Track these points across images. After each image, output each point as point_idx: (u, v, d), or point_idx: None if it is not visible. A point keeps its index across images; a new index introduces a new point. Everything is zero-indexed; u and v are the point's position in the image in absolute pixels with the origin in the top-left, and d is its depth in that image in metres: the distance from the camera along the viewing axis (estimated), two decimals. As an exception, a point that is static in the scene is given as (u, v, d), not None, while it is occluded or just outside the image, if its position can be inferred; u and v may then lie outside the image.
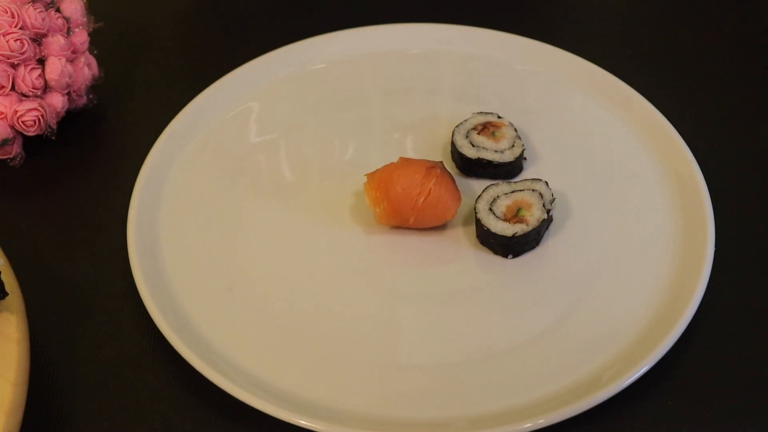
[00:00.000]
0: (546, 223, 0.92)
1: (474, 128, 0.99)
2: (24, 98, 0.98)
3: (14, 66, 0.97)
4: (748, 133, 1.05)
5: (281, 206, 0.97)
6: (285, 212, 0.96)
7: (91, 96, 1.06)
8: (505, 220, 0.91)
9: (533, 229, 0.90)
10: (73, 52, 1.02)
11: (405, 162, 0.92)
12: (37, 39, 0.99)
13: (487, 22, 1.12)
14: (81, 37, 1.02)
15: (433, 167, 0.91)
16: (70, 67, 1.00)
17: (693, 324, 0.85)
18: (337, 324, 0.87)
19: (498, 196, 0.93)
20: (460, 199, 0.92)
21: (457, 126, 1.00)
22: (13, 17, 0.96)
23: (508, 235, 0.90)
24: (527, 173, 0.99)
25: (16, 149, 1.01)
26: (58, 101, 1.00)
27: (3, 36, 0.95)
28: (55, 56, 0.99)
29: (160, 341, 0.85)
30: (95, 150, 1.05)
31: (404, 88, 1.08)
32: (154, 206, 0.96)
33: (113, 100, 1.09)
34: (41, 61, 0.99)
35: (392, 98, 1.05)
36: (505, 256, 0.92)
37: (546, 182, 0.94)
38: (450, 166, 0.99)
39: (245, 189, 0.99)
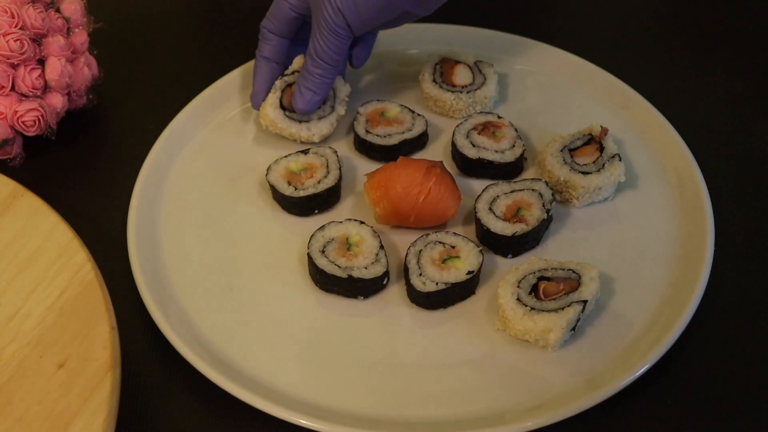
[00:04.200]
0: (546, 223, 0.92)
1: (474, 128, 0.99)
2: (24, 98, 0.98)
3: (14, 66, 0.97)
4: (748, 133, 1.05)
5: (281, 206, 0.97)
6: (285, 212, 0.96)
7: (90, 96, 1.06)
8: (505, 219, 0.91)
9: (533, 229, 0.90)
10: (73, 52, 1.01)
11: (405, 161, 0.92)
12: (37, 39, 0.99)
13: (487, 22, 1.12)
14: (81, 38, 1.02)
15: (433, 167, 0.91)
16: (69, 68, 1.00)
17: (692, 323, 0.85)
18: (336, 323, 0.87)
19: (498, 196, 0.93)
20: (460, 198, 0.92)
21: (457, 126, 1.00)
22: (12, 17, 0.96)
23: (507, 235, 0.90)
24: (527, 173, 0.99)
25: (16, 149, 1.01)
26: (57, 101, 1.00)
27: (3, 36, 0.95)
28: (55, 56, 0.99)
29: (160, 341, 0.85)
30: (95, 150, 1.05)
31: (403, 88, 1.08)
32: (154, 206, 0.96)
33: (113, 100, 1.09)
34: (41, 62, 0.99)
35: (392, 98, 1.05)
36: (505, 255, 0.92)
37: (546, 182, 0.94)
38: (450, 166, 0.99)
39: (245, 189, 0.98)
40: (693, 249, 0.90)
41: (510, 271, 0.87)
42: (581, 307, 0.83)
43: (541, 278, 0.86)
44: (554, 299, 0.84)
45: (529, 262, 0.87)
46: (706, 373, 0.84)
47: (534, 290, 0.85)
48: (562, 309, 0.83)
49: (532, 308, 0.83)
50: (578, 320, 0.84)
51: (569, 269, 0.86)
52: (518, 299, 0.84)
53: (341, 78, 1.02)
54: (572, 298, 0.83)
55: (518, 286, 0.85)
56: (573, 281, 0.85)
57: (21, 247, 0.86)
